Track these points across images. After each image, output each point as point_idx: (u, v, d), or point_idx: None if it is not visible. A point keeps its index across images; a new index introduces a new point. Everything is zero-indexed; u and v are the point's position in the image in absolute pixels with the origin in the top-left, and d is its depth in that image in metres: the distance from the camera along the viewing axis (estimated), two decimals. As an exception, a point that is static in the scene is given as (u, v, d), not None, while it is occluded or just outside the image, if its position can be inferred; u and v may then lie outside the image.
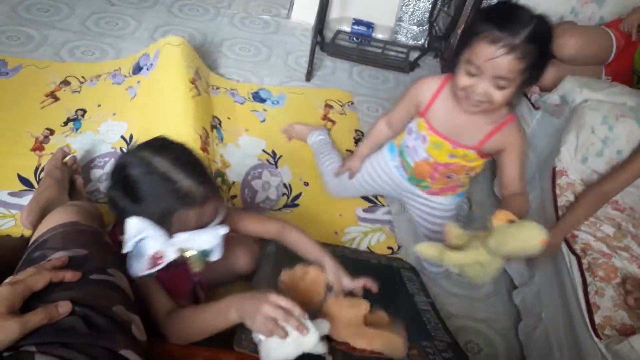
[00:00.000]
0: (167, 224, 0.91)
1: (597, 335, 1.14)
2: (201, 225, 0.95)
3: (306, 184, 1.78)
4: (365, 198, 1.77)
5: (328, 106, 2.16)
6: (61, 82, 1.92)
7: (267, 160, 1.83)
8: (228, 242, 1.19)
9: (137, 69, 1.97)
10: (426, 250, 1.14)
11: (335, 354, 1.03)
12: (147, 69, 1.92)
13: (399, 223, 1.74)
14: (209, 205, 0.95)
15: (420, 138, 1.39)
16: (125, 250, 0.92)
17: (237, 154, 1.81)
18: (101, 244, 0.95)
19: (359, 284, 1.13)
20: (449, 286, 1.59)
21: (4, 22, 2.15)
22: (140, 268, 0.93)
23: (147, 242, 0.91)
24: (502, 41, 1.06)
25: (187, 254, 0.94)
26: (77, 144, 1.67)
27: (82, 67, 2.02)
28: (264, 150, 1.87)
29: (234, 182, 1.71)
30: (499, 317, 1.54)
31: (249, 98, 2.10)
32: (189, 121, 1.65)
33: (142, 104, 1.80)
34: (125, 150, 1.69)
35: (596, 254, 1.30)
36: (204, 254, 0.96)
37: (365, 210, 1.74)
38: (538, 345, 1.38)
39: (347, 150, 1.93)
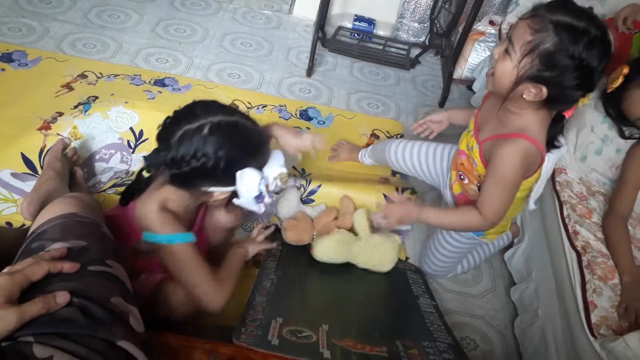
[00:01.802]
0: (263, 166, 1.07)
1: (593, 335, 1.14)
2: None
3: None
4: None
5: (374, 135, 2.05)
6: (78, 75, 1.93)
7: (295, 176, 1.73)
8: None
9: (161, 84, 1.98)
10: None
11: (334, 351, 1.03)
12: (173, 90, 1.94)
13: (414, 231, 1.71)
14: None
15: None
16: (254, 194, 1.04)
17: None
18: (100, 235, 0.96)
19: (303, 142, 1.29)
20: (446, 283, 1.59)
21: (6, 14, 2.15)
22: (262, 205, 1.08)
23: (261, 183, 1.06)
24: (537, 9, 1.01)
25: (281, 175, 1.09)
26: (84, 127, 1.61)
27: (101, 65, 2.03)
28: (294, 167, 1.79)
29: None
30: (495, 314, 1.55)
31: (295, 115, 2.06)
32: None
33: (160, 108, 1.72)
34: (133, 144, 1.65)
35: (595, 253, 1.31)
36: (283, 172, 1.11)
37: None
38: (534, 341, 1.38)
39: (382, 177, 1.80)
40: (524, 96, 1.05)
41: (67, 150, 1.49)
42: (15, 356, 0.66)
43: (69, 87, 1.86)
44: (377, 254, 1.48)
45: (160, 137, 1.01)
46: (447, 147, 1.51)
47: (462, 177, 1.34)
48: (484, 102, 1.30)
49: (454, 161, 1.39)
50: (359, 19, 2.62)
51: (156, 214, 1.04)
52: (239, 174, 1.01)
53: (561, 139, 1.18)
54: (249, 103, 2.02)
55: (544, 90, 1.02)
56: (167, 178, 1.02)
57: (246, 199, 1.05)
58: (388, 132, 2.08)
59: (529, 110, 1.10)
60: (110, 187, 1.55)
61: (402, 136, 2.07)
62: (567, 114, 1.13)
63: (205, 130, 0.97)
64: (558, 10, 0.99)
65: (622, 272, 1.26)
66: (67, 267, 0.79)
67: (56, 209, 0.97)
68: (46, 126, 1.60)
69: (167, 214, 1.05)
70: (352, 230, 1.54)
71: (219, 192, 1.04)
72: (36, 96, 1.78)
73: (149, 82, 1.99)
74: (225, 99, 1.97)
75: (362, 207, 1.57)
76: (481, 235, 1.39)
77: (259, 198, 1.05)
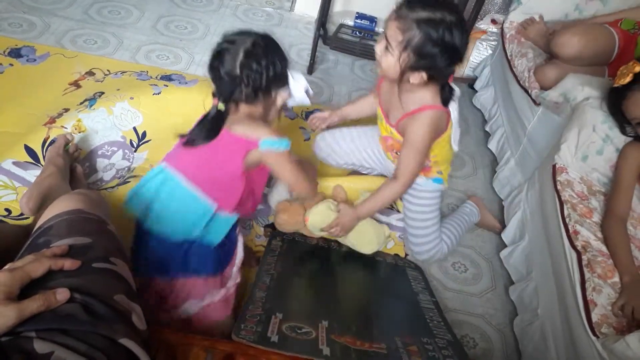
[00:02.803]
0: None
1: (594, 334, 1.14)
2: None
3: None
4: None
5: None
6: (86, 73, 1.93)
7: None
8: None
9: (167, 79, 1.98)
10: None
11: (334, 347, 1.03)
12: (180, 83, 1.93)
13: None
14: None
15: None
16: (305, 86, 1.27)
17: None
18: (105, 232, 0.96)
19: None
20: (446, 281, 1.59)
21: (6, 9, 2.15)
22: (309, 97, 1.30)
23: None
24: (400, 9, 1.18)
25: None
26: (89, 120, 1.61)
27: (109, 62, 2.03)
28: None
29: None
30: (495, 313, 1.55)
31: (301, 116, 2.06)
32: None
33: (165, 107, 1.74)
34: (135, 143, 1.67)
35: (595, 252, 1.30)
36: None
37: (379, 212, 1.66)
38: (533, 340, 1.38)
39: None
40: (411, 81, 1.24)
41: (68, 146, 1.49)
42: (15, 351, 0.66)
43: (76, 84, 1.86)
44: (359, 233, 1.53)
45: (218, 70, 1.14)
46: (370, 130, 1.62)
47: (397, 153, 1.44)
48: (380, 90, 1.46)
49: (383, 144, 1.55)
50: (360, 16, 2.62)
51: (264, 126, 1.19)
52: (289, 73, 1.22)
53: (454, 88, 1.35)
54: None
55: (424, 74, 1.22)
56: (245, 97, 1.16)
57: (299, 93, 1.27)
58: None
59: (420, 87, 1.28)
60: (112, 186, 1.55)
61: None
62: (450, 80, 1.32)
63: (261, 42, 1.15)
64: (416, 7, 1.16)
65: (622, 273, 1.26)
66: (68, 264, 0.79)
67: (63, 205, 0.97)
68: (51, 121, 1.61)
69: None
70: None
71: (283, 92, 1.23)
72: (44, 94, 1.77)
73: (156, 77, 1.99)
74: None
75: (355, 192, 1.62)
76: (440, 182, 1.51)
77: (307, 91, 1.28)
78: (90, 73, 1.93)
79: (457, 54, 1.20)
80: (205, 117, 1.18)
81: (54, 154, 1.41)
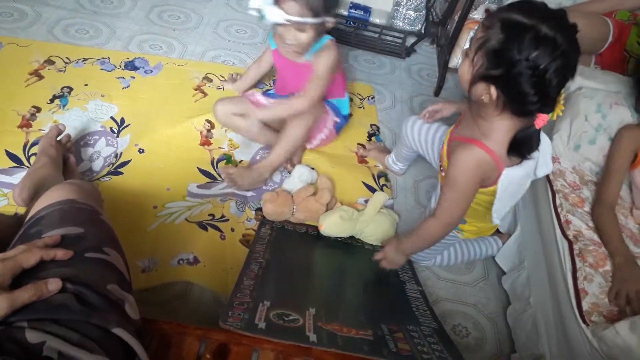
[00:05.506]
0: None
1: (585, 322, 1.15)
2: None
3: (141, 150, 1.66)
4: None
5: (206, 78, 2.03)
6: (45, 61, 1.91)
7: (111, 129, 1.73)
8: None
9: (132, 67, 1.98)
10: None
11: (321, 334, 1.04)
12: (145, 73, 1.96)
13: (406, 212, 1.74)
14: None
15: None
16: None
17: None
18: (98, 222, 0.96)
19: None
20: (439, 271, 1.60)
21: (-3, -1, 2.13)
22: None
23: None
24: (497, 9, 1.02)
25: None
26: (65, 120, 1.65)
27: (67, 49, 2.00)
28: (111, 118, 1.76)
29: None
30: (488, 302, 1.56)
31: (268, 83, 2.11)
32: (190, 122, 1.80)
33: (136, 96, 1.84)
34: (116, 129, 1.70)
35: (587, 241, 1.31)
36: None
37: (199, 186, 1.61)
38: (526, 329, 1.39)
39: (358, 144, 1.92)
40: (482, 98, 1.04)
41: (61, 137, 1.48)
42: (7, 341, 0.66)
43: (37, 75, 1.84)
44: (379, 231, 1.58)
45: None
46: (442, 130, 1.51)
47: (441, 168, 1.32)
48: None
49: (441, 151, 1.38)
50: (354, 6, 2.61)
51: None
52: None
53: (534, 154, 1.15)
54: (222, 76, 2.06)
55: (492, 89, 1.01)
56: None
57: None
58: (360, 95, 2.18)
59: (493, 117, 1.08)
60: (104, 175, 1.55)
61: (373, 98, 2.19)
62: (538, 125, 1.06)
63: None
64: (512, 8, 0.97)
65: (614, 254, 1.26)
66: (60, 254, 0.79)
67: (55, 195, 0.96)
68: (26, 124, 1.63)
69: None
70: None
71: None
72: (5, 86, 1.76)
73: (119, 65, 1.97)
74: (197, 74, 2.02)
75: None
76: (456, 230, 1.40)
77: None
78: (50, 62, 1.91)
79: (540, 81, 0.95)
80: None
81: (46, 145, 1.41)
